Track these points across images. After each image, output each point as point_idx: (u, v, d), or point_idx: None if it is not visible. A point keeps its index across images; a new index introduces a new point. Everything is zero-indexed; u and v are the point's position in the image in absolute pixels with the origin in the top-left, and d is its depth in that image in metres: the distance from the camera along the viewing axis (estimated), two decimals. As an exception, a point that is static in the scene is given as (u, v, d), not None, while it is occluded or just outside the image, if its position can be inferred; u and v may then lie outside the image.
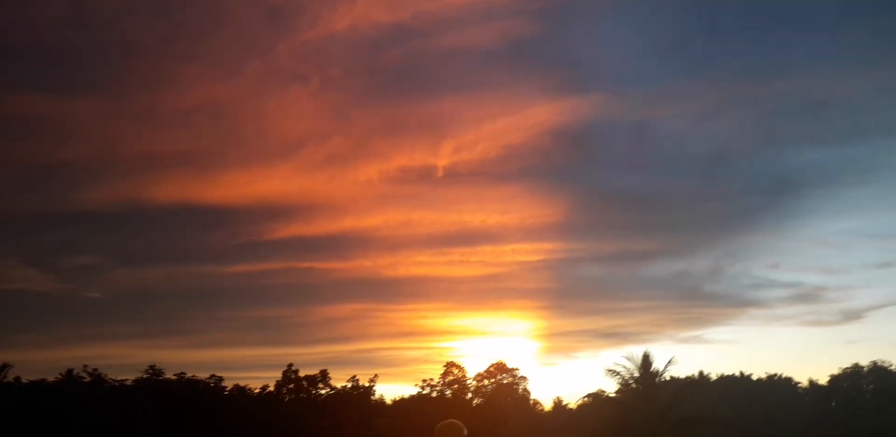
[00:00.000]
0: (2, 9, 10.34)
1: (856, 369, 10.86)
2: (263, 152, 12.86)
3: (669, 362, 7.14)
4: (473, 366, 10.16)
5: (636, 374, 7.14)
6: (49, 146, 11.46)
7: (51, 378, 8.69)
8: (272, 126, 12.44)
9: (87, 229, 12.33)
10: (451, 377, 9.87)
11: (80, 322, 12.07)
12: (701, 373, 10.96)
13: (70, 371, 8.67)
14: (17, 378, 8.52)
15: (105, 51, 11.10)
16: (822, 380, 10.87)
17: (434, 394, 9.70)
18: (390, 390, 12.04)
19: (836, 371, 10.90)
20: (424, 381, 9.80)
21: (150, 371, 8.69)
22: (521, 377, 9.96)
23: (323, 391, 9.27)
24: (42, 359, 11.96)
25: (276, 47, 11.47)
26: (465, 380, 9.91)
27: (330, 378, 9.28)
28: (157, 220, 12.60)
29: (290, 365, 9.26)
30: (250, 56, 11.92)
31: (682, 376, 9.12)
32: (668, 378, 7.43)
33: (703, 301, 13.70)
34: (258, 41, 11.62)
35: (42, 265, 12.54)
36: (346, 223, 13.22)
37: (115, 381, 8.70)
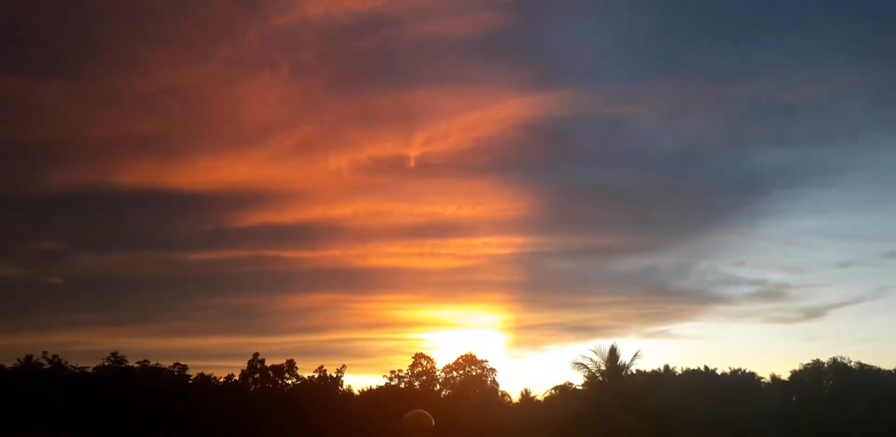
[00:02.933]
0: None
1: (816, 364, 11.07)
2: (232, 138, 12.70)
3: (636, 355, 7.18)
4: (442, 358, 10.16)
5: (603, 367, 7.17)
6: (14, 128, 11.17)
7: (9, 364, 8.50)
8: (242, 112, 12.28)
9: (50, 213, 12.05)
10: (419, 369, 9.84)
11: (40, 308, 11.81)
12: (667, 367, 11.08)
13: (29, 358, 8.47)
14: (-26, 364, 8.33)
15: (74, 32, 10.83)
16: (784, 375, 11.08)
17: (402, 385, 9.66)
18: (358, 381, 11.99)
19: (797, 367, 11.11)
20: (393, 372, 9.77)
21: (113, 359, 8.53)
22: (490, 368, 9.98)
23: (289, 381, 9.18)
24: (0, 345, 11.68)
25: (248, 32, 11.29)
26: (434, 372, 9.89)
27: (297, 368, 9.20)
28: (122, 205, 12.38)
29: (256, 354, 9.16)
30: (221, 40, 11.69)
31: (649, 369, 9.22)
32: (634, 372, 7.48)
33: (669, 297, 13.86)
34: (229, 25, 11.44)
35: (2, 250, 12.23)
36: (316, 212, 13.10)
37: (75, 368, 8.53)
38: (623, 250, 14.56)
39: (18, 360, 8.47)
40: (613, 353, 7.17)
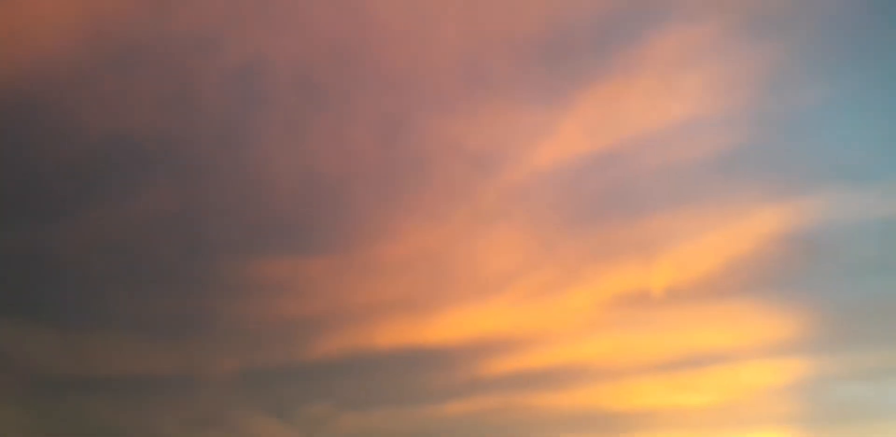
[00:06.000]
0: (244, 189, 11.16)
1: None
2: (475, 290, 12.66)
3: None
4: None
5: None
6: (290, 304, 11.99)
7: None
8: (482, 264, 12.26)
9: (318, 379, 12.62)
10: None
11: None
12: None
13: None
14: None
15: (335, 214, 11.59)
16: None
17: None
18: None
19: None
20: None
21: None
22: None
23: None
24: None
25: (482, 191, 11.47)
26: None
27: None
28: (380, 364, 12.60)
29: None
30: (458, 202, 11.99)
31: None
32: None
33: None
34: (465, 187, 11.69)
35: (282, 416, 12.96)
36: (562, 354, 12.55)
37: None
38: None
39: None
40: None
